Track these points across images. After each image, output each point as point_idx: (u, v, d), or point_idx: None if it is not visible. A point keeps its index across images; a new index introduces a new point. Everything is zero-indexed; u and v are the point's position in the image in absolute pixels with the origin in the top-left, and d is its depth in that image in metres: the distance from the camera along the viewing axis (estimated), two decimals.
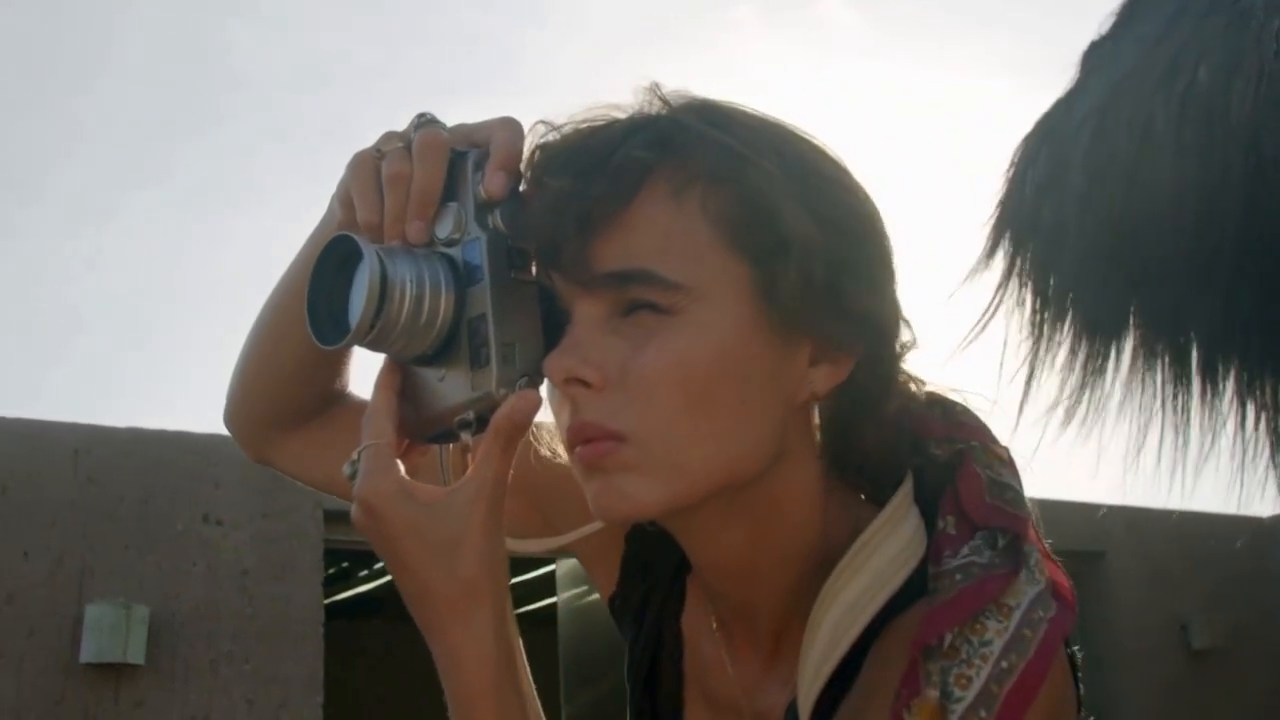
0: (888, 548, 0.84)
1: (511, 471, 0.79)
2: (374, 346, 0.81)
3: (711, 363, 0.78)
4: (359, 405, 0.97)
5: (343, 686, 5.94)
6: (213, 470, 4.96)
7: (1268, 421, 2.34)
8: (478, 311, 0.79)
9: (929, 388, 0.89)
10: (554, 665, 6.07)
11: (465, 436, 0.80)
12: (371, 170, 0.83)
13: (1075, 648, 0.84)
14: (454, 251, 0.81)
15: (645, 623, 0.98)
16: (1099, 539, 7.06)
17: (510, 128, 0.83)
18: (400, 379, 0.83)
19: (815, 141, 0.85)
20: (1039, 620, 0.76)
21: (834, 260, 0.80)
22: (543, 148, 0.82)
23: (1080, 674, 0.83)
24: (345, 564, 8.24)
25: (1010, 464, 0.86)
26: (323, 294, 0.80)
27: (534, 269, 0.82)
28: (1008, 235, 2.58)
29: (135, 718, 4.67)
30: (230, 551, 5.00)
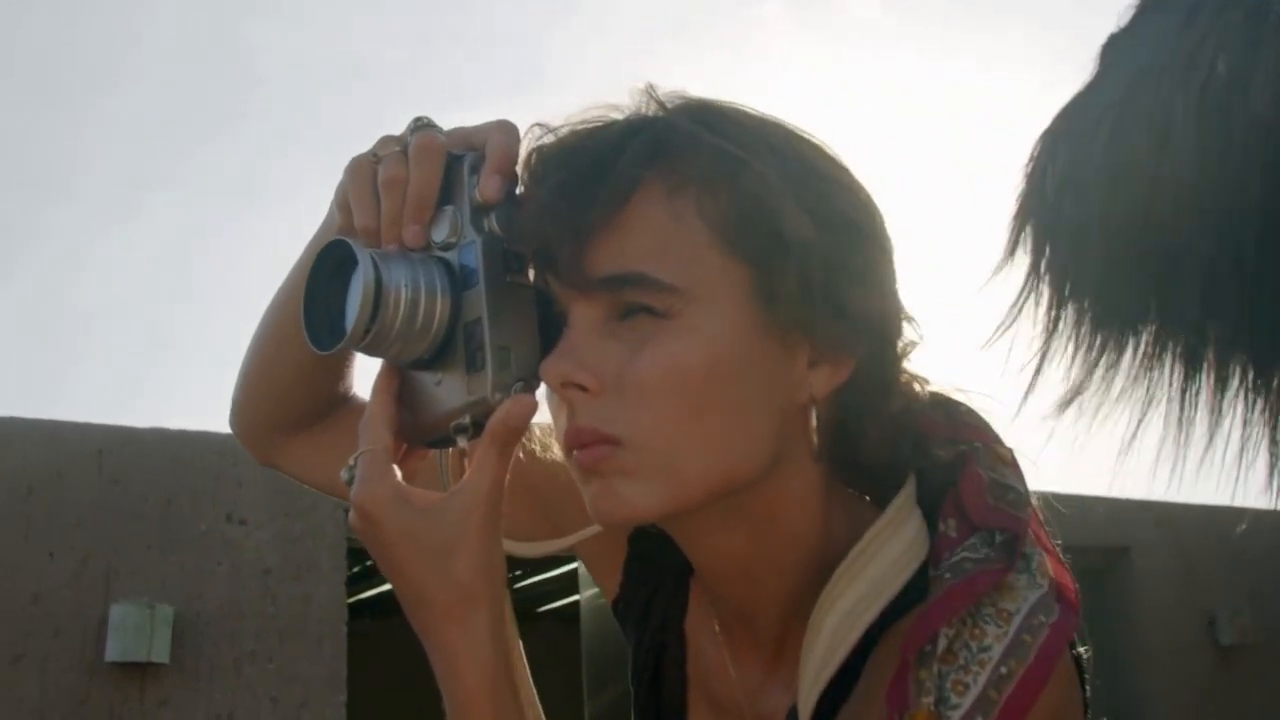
0: (889, 551, 0.83)
1: (511, 474, 0.78)
2: (370, 351, 0.81)
3: (708, 366, 0.77)
4: (362, 408, 0.97)
5: (365, 685, 5.94)
6: (236, 470, 4.98)
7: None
8: (473, 315, 0.79)
9: (932, 388, 0.88)
10: (577, 663, 6.07)
11: (462, 442, 0.80)
12: (368, 175, 0.83)
13: (1083, 649, 0.82)
14: (450, 255, 0.81)
15: (649, 625, 0.98)
16: (1124, 534, 7.01)
17: (506, 130, 0.82)
18: (398, 383, 0.82)
19: (814, 140, 0.84)
20: (1040, 625, 0.76)
21: (833, 261, 0.79)
22: (538, 151, 0.82)
23: (1087, 675, 0.82)
24: (368, 563, 8.25)
25: (1014, 465, 0.85)
26: (319, 299, 0.80)
27: (530, 273, 0.82)
28: (1029, 232, 2.56)
29: (160, 717, 4.69)
30: (253, 551, 5.02)
